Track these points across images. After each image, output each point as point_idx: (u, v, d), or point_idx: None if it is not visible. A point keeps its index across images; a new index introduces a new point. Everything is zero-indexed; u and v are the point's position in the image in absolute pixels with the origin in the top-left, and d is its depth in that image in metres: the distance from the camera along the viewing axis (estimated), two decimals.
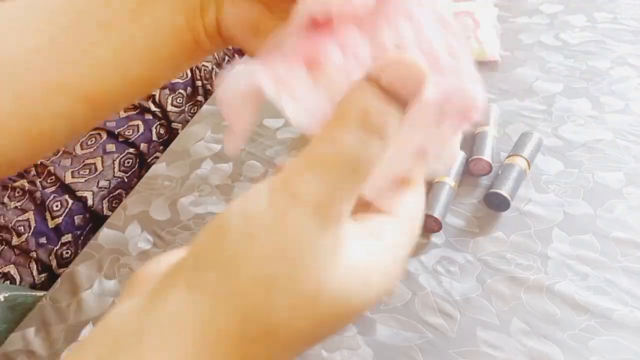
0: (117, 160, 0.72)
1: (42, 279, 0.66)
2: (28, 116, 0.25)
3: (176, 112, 0.77)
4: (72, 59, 0.25)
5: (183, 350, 0.15)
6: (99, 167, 0.70)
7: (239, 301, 0.16)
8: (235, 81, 0.20)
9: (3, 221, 0.62)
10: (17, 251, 0.66)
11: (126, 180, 0.75)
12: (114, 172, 0.82)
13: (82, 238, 0.72)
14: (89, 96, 0.26)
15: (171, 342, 0.15)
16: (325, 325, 0.17)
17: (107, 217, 0.54)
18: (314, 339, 0.17)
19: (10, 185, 0.66)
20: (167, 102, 0.76)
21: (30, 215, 0.64)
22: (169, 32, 0.26)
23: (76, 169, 0.68)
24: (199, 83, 0.78)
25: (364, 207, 0.20)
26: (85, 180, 0.68)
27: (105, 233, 0.47)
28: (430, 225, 0.43)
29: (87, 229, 0.73)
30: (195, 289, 0.16)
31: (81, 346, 0.16)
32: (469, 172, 0.47)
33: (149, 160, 0.89)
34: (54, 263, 0.67)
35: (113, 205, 0.78)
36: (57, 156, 0.69)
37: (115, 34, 0.25)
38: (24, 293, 0.43)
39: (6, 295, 0.42)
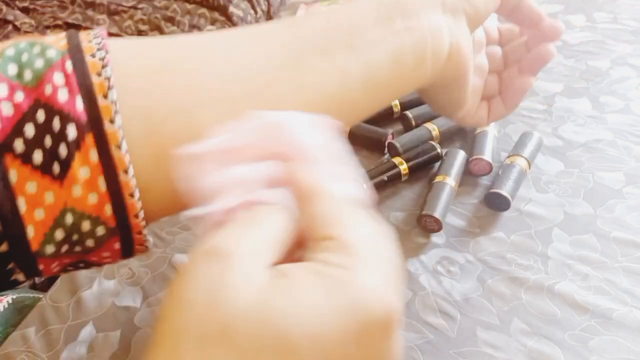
0: None
1: (42, 279, 0.66)
2: None
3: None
4: (289, 79, 0.27)
5: None
6: None
7: None
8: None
9: None
10: None
11: None
12: None
13: None
14: None
15: None
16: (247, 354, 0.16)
17: None
18: None
19: None
20: None
21: None
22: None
23: None
24: None
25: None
26: None
27: None
28: (431, 225, 0.43)
29: None
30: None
31: None
32: (469, 172, 0.47)
33: None
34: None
35: None
36: None
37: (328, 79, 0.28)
38: (30, 295, 0.43)
39: (14, 297, 0.42)
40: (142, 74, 0.24)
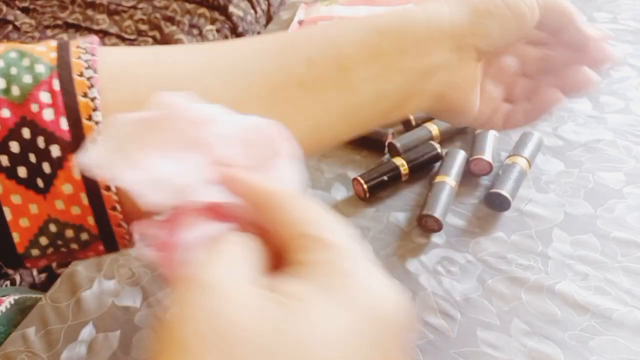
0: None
1: (42, 279, 0.66)
2: None
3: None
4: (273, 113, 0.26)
5: None
6: None
7: None
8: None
9: None
10: None
11: None
12: None
13: None
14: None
15: None
16: None
17: None
18: None
19: None
20: None
21: None
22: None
23: None
24: None
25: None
26: None
27: None
28: (431, 225, 0.43)
29: None
30: None
31: None
32: (470, 172, 0.47)
33: None
34: (53, 263, 0.67)
35: None
36: None
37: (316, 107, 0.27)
38: (33, 295, 0.43)
39: (16, 297, 0.42)
40: (126, 101, 0.24)
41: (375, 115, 0.29)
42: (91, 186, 0.23)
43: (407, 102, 0.29)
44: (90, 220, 0.24)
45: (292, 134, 0.24)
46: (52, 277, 0.67)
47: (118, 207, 0.24)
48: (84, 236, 0.24)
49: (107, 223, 0.24)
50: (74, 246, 0.25)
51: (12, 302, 0.41)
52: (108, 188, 0.23)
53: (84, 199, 0.23)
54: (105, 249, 0.26)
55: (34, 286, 0.67)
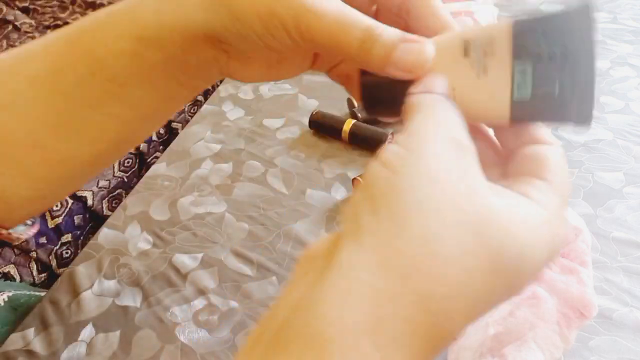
0: (117, 160, 0.72)
1: (42, 278, 0.66)
2: (38, 192, 0.27)
3: (176, 112, 0.77)
4: (68, 137, 0.26)
5: (361, 314, 0.15)
6: None
7: (409, 267, 0.15)
8: None
9: None
10: (17, 251, 0.66)
11: (126, 180, 0.75)
12: (113, 172, 0.82)
13: (82, 238, 0.72)
14: (91, 162, 0.28)
15: (350, 305, 0.15)
16: (506, 285, 0.16)
17: (107, 217, 0.54)
18: (492, 302, 0.17)
19: None
20: None
21: None
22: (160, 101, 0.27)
23: None
24: None
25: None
26: None
27: (105, 233, 0.47)
28: None
29: (87, 228, 0.73)
30: (363, 247, 0.16)
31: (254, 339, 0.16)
32: None
33: (148, 160, 0.89)
34: (54, 263, 0.67)
35: (113, 205, 0.78)
36: None
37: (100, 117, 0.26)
38: (27, 292, 0.43)
39: (9, 295, 0.42)
40: None
41: (174, 108, 0.29)
42: None
43: (196, 90, 0.28)
44: None
45: (99, 154, 0.27)
46: (52, 277, 0.67)
47: None
48: None
49: None
50: None
51: (6, 299, 0.41)
52: None
53: None
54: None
55: (33, 286, 0.67)
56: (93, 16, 0.25)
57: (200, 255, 0.44)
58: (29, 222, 0.31)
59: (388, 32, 0.20)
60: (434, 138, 0.17)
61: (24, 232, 0.31)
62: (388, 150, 0.18)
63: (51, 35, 0.26)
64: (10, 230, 0.29)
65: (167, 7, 0.23)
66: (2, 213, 0.27)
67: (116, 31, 0.25)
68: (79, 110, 0.26)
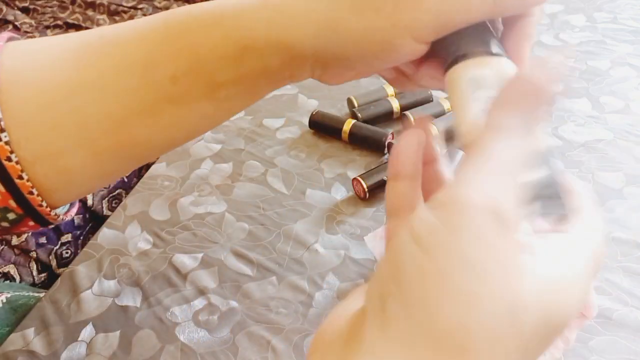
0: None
1: (42, 278, 0.66)
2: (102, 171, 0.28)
3: None
4: (147, 124, 0.26)
5: None
6: None
7: (435, 342, 0.15)
8: None
9: None
10: (17, 251, 0.66)
11: (126, 180, 0.75)
12: None
13: (81, 238, 0.72)
14: (162, 147, 0.28)
15: None
16: (530, 344, 0.15)
17: (106, 217, 0.54)
18: None
19: None
20: None
21: None
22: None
23: None
24: None
25: None
26: None
27: (104, 233, 0.47)
28: None
29: (86, 228, 0.73)
30: (389, 337, 0.15)
31: None
32: None
33: None
34: (53, 263, 0.67)
35: (113, 205, 0.78)
36: None
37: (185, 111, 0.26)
38: (26, 293, 0.43)
39: (8, 296, 0.42)
40: (27, 106, 0.26)
41: (254, 102, 0.29)
42: (5, 177, 0.26)
43: (280, 87, 0.29)
44: (13, 203, 0.27)
45: (172, 141, 0.27)
46: (52, 277, 0.67)
47: (35, 191, 0.27)
48: (11, 215, 0.28)
49: (28, 205, 0.27)
50: (5, 224, 0.28)
51: (5, 300, 0.41)
52: (20, 177, 0.26)
53: (1, 187, 0.26)
54: (36, 223, 0.29)
55: (33, 286, 0.67)
56: (195, 12, 0.26)
57: (200, 255, 0.44)
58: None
59: None
60: (474, 213, 0.16)
61: (64, 213, 0.31)
62: (421, 220, 0.16)
63: (142, 22, 0.27)
64: (56, 211, 0.29)
65: (278, 20, 0.24)
66: (61, 188, 0.28)
67: (222, 34, 0.25)
68: (166, 104, 0.26)
